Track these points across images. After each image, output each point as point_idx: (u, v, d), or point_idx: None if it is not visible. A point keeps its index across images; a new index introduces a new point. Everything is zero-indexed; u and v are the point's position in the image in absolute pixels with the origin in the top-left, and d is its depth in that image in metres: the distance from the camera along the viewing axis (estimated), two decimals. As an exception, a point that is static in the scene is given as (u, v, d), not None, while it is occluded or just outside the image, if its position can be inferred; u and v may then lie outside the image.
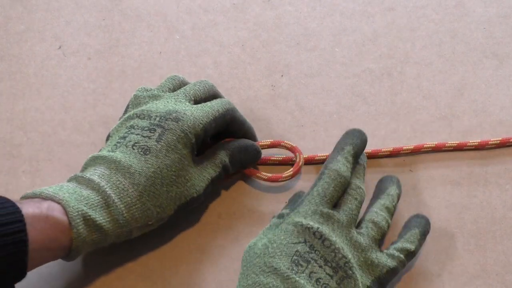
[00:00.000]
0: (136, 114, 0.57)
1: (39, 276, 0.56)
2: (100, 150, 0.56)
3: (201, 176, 0.56)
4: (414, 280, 0.57)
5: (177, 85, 0.61)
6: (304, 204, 0.54)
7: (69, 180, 0.53)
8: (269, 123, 0.66)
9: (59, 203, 0.49)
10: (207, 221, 0.60)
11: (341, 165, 0.56)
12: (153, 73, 0.69)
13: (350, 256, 0.52)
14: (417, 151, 0.63)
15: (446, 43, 0.71)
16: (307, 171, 0.63)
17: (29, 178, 0.62)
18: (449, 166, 0.63)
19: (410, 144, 0.63)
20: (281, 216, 0.55)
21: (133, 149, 0.54)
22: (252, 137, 0.62)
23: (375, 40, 0.71)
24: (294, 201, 0.57)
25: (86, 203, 0.50)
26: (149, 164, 0.53)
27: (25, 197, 0.51)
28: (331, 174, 0.55)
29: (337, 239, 0.52)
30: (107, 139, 0.58)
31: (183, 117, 0.56)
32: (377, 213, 0.55)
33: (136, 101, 0.59)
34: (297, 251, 0.51)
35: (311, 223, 0.52)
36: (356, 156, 0.58)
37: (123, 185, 0.52)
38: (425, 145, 0.63)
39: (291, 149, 0.62)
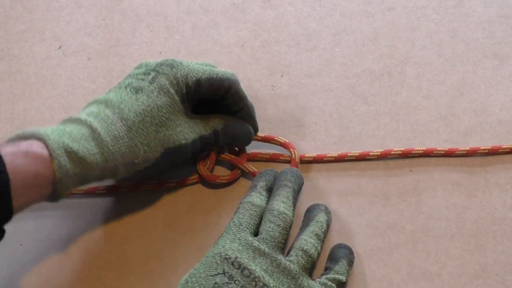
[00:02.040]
0: (135, 67, 0.58)
1: (39, 276, 0.56)
2: None
3: (191, 128, 0.57)
4: (414, 280, 0.57)
5: None
6: (222, 236, 0.54)
7: (58, 124, 0.53)
8: (269, 123, 0.66)
9: (39, 138, 0.49)
10: (207, 221, 0.60)
11: (254, 197, 0.56)
12: (153, 73, 0.69)
13: (273, 284, 0.51)
14: (405, 155, 0.63)
15: (446, 43, 0.71)
16: (304, 170, 0.63)
17: (29, 178, 0.62)
18: (449, 166, 0.63)
19: (402, 147, 0.63)
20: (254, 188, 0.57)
21: (126, 89, 0.55)
22: (250, 116, 0.62)
23: (375, 40, 0.71)
24: (262, 175, 0.59)
25: (69, 136, 0.50)
26: (140, 102, 0.54)
27: (8, 140, 0.50)
28: (245, 205, 0.56)
29: (257, 267, 0.51)
30: None
31: (178, 65, 0.57)
32: (306, 241, 0.54)
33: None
34: (215, 283, 0.50)
35: (230, 252, 0.52)
36: (269, 190, 0.58)
37: (111, 119, 0.53)
38: (414, 150, 0.63)
39: (284, 145, 0.62)
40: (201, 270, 0.51)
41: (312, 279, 0.53)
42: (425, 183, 0.62)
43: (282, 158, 0.63)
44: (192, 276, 0.51)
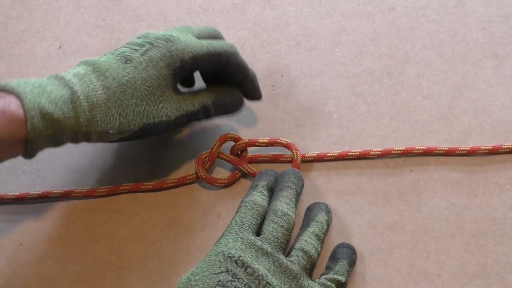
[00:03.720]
0: (136, 37, 0.58)
1: (39, 276, 0.56)
2: None
3: (177, 105, 0.56)
4: (414, 280, 0.57)
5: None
6: (225, 235, 0.54)
7: (45, 78, 0.54)
8: (269, 123, 0.66)
9: (18, 97, 0.50)
10: (207, 221, 0.60)
11: (256, 197, 0.56)
12: (153, 73, 0.69)
13: (276, 282, 0.51)
14: (406, 154, 0.63)
15: (446, 43, 0.71)
16: (305, 169, 0.63)
17: (29, 178, 0.62)
18: (449, 166, 0.63)
19: (402, 146, 0.63)
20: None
21: (117, 56, 0.55)
22: (252, 85, 0.61)
23: (375, 40, 0.71)
24: (263, 175, 0.59)
25: (48, 97, 0.50)
26: (126, 72, 0.54)
27: None
28: (247, 204, 0.56)
29: (260, 266, 0.51)
30: None
31: (175, 40, 0.56)
32: (307, 242, 0.54)
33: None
34: (219, 281, 0.50)
35: (233, 251, 0.52)
36: (271, 190, 0.58)
37: (94, 85, 0.53)
38: (415, 149, 0.63)
39: (287, 145, 0.62)
40: (204, 269, 0.51)
41: (312, 280, 0.53)
42: (425, 183, 0.62)
43: (283, 159, 0.63)
44: (195, 274, 0.51)
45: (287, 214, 0.55)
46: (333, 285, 0.53)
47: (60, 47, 0.71)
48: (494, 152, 0.63)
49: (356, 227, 0.59)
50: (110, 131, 0.53)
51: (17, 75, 0.69)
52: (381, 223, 0.60)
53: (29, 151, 0.51)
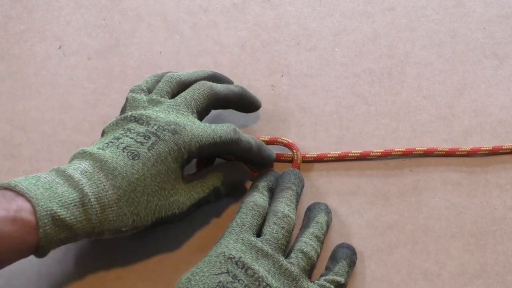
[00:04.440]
0: (134, 117, 0.56)
1: (38, 276, 0.56)
2: (93, 145, 0.55)
3: (188, 195, 0.55)
4: (414, 280, 0.57)
5: (175, 88, 0.60)
6: (225, 236, 0.54)
7: (50, 171, 0.52)
8: (269, 123, 0.66)
9: (29, 201, 0.48)
10: (207, 221, 0.60)
11: (257, 197, 0.56)
12: (153, 73, 0.69)
13: (275, 284, 0.51)
14: (406, 155, 0.63)
15: (446, 43, 0.71)
16: (305, 169, 0.63)
17: (29, 178, 0.62)
18: (449, 166, 0.63)
19: (403, 147, 0.63)
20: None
21: (123, 151, 0.53)
22: (261, 159, 0.60)
23: (375, 40, 0.71)
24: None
25: (59, 201, 0.49)
26: (135, 170, 0.52)
27: (0, 187, 0.50)
28: (247, 205, 0.56)
29: (260, 267, 0.51)
30: (102, 135, 0.57)
31: (181, 131, 0.55)
32: (306, 243, 0.54)
33: (134, 103, 0.59)
34: (219, 282, 0.50)
35: (233, 252, 0.52)
36: (271, 190, 0.58)
37: (104, 185, 0.51)
38: (415, 150, 0.63)
39: (288, 145, 0.62)
40: (205, 269, 0.51)
41: (311, 281, 0.53)
42: (425, 183, 0.62)
43: (283, 158, 0.63)
44: (195, 274, 0.51)
45: (288, 216, 0.55)
46: (332, 286, 0.53)
47: (60, 47, 0.71)
48: (494, 152, 0.63)
49: (356, 227, 0.59)
50: (123, 229, 0.52)
51: (17, 75, 0.69)
52: (381, 223, 0.60)
53: (40, 254, 0.50)
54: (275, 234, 0.54)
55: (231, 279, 0.50)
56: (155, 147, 0.53)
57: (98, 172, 0.52)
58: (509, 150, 0.63)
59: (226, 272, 0.50)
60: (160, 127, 0.55)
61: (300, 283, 0.52)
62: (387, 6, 0.73)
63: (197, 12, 0.73)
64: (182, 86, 0.61)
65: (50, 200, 0.49)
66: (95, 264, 0.57)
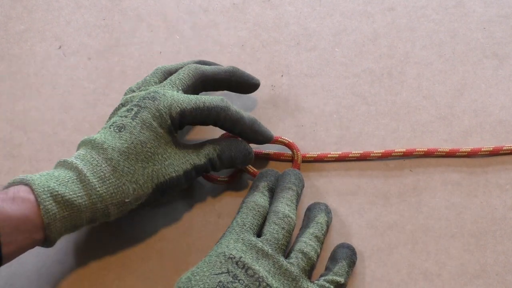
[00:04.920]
0: (121, 104, 0.58)
1: (39, 276, 0.56)
2: None
3: (182, 159, 0.55)
4: (414, 280, 0.57)
5: (162, 77, 0.61)
6: (225, 236, 0.54)
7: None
8: (269, 123, 0.66)
9: (26, 184, 0.49)
10: (207, 221, 0.60)
11: (258, 197, 0.56)
12: (153, 73, 0.69)
13: (276, 284, 0.51)
14: (407, 156, 0.63)
15: (446, 43, 0.71)
16: (305, 169, 0.63)
17: (29, 178, 0.62)
18: (449, 166, 0.63)
19: (403, 148, 0.63)
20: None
21: (110, 128, 0.54)
22: (253, 133, 0.59)
23: (375, 40, 0.71)
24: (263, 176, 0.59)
25: (56, 180, 0.50)
26: (123, 140, 0.53)
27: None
28: (248, 205, 0.56)
29: (260, 268, 0.51)
30: None
31: (160, 97, 0.56)
32: (306, 243, 0.54)
33: (124, 101, 0.59)
34: (220, 281, 0.50)
35: (234, 252, 0.52)
36: (271, 190, 0.58)
37: (96, 161, 0.52)
38: (416, 151, 0.63)
39: (288, 145, 0.62)
40: (205, 269, 0.51)
41: (311, 281, 0.53)
42: (425, 183, 0.62)
43: (283, 157, 0.63)
44: (195, 274, 0.51)
45: (288, 216, 0.55)
46: (332, 286, 0.53)
47: (60, 47, 0.71)
48: (495, 153, 0.63)
49: (356, 227, 0.59)
50: (126, 200, 0.53)
51: (17, 75, 0.69)
52: (381, 223, 0.60)
53: (48, 237, 0.50)
54: (276, 234, 0.54)
55: (231, 279, 0.50)
56: (138, 115, 0.55)
57: (90, 151, 0.53)
58: (509, 151, 0.63)
59: (226, 272, 0.50)
60: (141, 98, 0.56)
61: (300, 283, 0.52)
62: (387, 6, 0.73)
63: (197, 12, 0.73)
64: (169, 75, 0.61)
65: (47, 180, 0.50)
66: (95, 264, 0.57)
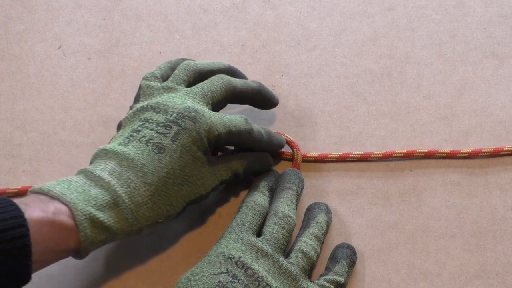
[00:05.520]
0: (150, 106, 0.56)
1: (39, 276, 0.56)
2: (111, 140, 0.55)
3: (212, 177, 0.55)
4: (414, 280, 0.57)
5: (192, 77, 0.60)
6: (225, 236, 0.54)
7: (78, 174, 0.52)
8: (269, 123, 0.66)
9: (66, 205, 0.48)
10: (207, 221, 0.60)
11: (258, 197, 0.57)
12: (153, 73, 0.69)
13: (275, 284, 0.51)
14: (407, 157, 0.63)
15: (446, 43, 0.71)
16: (305, 169, 0.63)
17: (29, 178, 0.62)
18: (449, 166, 0.63)
19: (404, 149, 0.63)
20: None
21: (147, 145, 0.53)
22: (269, 147, 0.60)
23: (375, 40, 0.71)
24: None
25: (95, 204, 0.49)
26: (163, 164, 0.52)
27: (32, 192, 0.49)
28: (248, 204, 0.56)
29: (260, 267, 0.51)
30: (118, 128, 0.57)
31: (201, 118, 0.55)
32: (306, 243, 0.54)
33: (148, 91, 0.58)
34: (219, 281, 0.50)
35: (233, 252, 0.52)
36: (271, 190, 0.58)
37: (134, 184, 0.51)
38: (416, 152, 0.63)
39: (289, 143, 0.62)
40: (204, 269, 0.51)
41: (311, 281, 0.53)
42: (425, 183, 0.62)
43: (284, 156, 0.63)
44: (194, 274, 0.51)
45: (288, 216, 0.55)
46: (332, 286, 0.53)
47: (60, 47, 0.71)
48: (495, 154, 0.63)
49: (356, 227, 0.59)
50: (159, 220, 0.53)
51: (17, 75, 0.69)
52: (381, 223, 0.60)
53: (81, 256, 0.50)
54: (275, 234, 0.54)
55: (230, 279, 0.50)
56: (179, 138, 0.53)
57: (126, 170, 0.52)
58: (510, 152, 0.63)
59: (225, 272, 0.50)
60: (180, 114, 0.55)
61: (300, 283, 0.52)
62: (387, 6, 0.73)
63: (197, 12, 0.73)
64: (198, 75, 0.61)
65: (86, 203, 0.49)
66: (96, 264, 0.57)
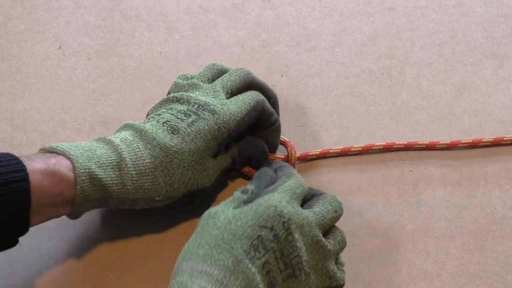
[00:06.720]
0: (176, 97, 0.58)
1: (39, 277, 0.56)
2: None
3: (216, 167, 0.57)
4: (414, 280, 0.57)
5: (216, 74, 0.61)
6: (279, 192, 0.52)
7: (93, 140, 0.54)
8: (269, 123, 0.66)
9: (69, 158, 0.50)
10: (207, 221, 0.60)
11: (302, 181, 0.55)
12: (153, 73, 0.69)
13: (305, 257, 0.50)
14: (408, 148, 0.63)
15: (446, 43, 0.71)
16: (305, 169, 0.63)
17: (29, 178, 0.62)
18: (449, 166, 0.63)
19: (404, 141, 0.64)
20: (245, 191, 0.52)
21: (163, 125, 0.55)
22: (277, 131, 0.61)
23: (375, 40, 0.71)
24: (260, 178, 0.55)
25: (97, 161, 0.51)
26: (173, 143, 0.54)
27: (42, 150, 0.52)
28: (300, 179, 0.54)
29: (300, 237, 0.50)
30: (146, 117, 0.59)
31: (220, 111, 0.56)
32: (343, 235, 0.54)
33: (176, 88, 0.60)
34: (260, 236, 0.48)
35: (285, 211, 0.50)
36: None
37: (142, 153, 0.53)
38: (417, 144, 0.63)
39: (283, 143, 0.62)
40: (249, 217, 0.49)
41: (337, 267, 0.53)
42: (425, 183, 0.62)
43: (280, 157, 0.63)
44: (237, 219, 0.49)
45: (341, 207, 0.54)
46: (343, 274, 0.53)
47: (60, 47, 0.71)
48: (495, 144, 0.63)
49: (356, 227, 0.59)
50: (157, 198, 0.54)
51: (17, 75, 0.69)
52: (381, 223, 0.60)
53: (75, 213, 0.52)
54: (326, 213, 0.53)
55: (272, 237, 0.49)
56: (195, 124, 0.55)
57: (138, 140, 0.54)
58: (510, 142, 0.63)
59: (270, 228, 0.49)
60: (200, 106, 0.57)
61: (328, 263, 0.51)
62: (387, 6, 0.73)
63: (197, 12, 0.73)
64: (222, 73, 0.62)
65: (88, 159, 0.51)
66: (96, 264, 0.57)
